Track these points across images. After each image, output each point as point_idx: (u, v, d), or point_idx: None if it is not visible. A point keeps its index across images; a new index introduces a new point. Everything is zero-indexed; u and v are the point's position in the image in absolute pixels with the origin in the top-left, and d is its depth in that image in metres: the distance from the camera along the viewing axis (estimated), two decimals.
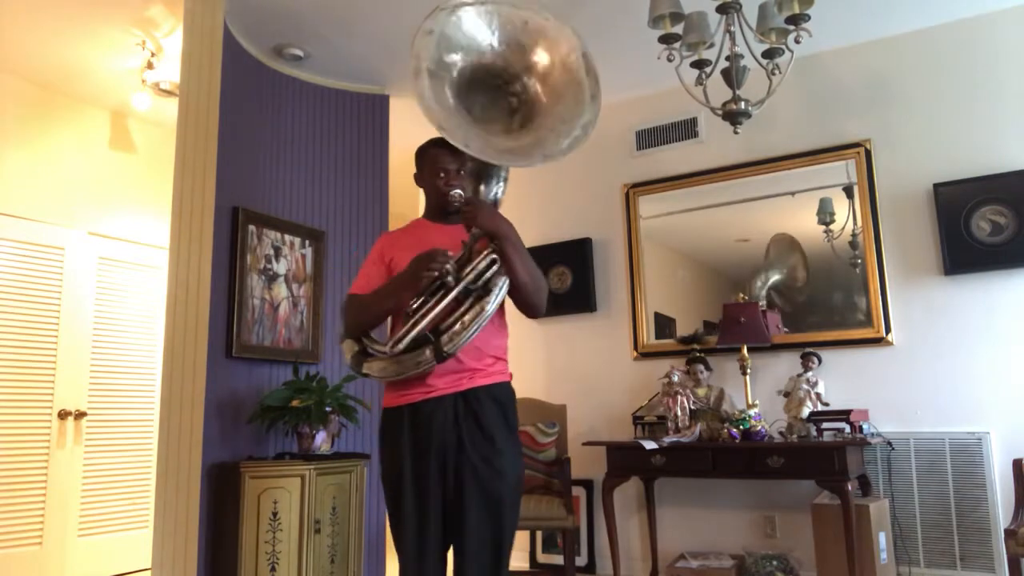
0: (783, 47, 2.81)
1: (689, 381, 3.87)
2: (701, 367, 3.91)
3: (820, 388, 3.63)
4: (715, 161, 4.26)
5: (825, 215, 3.96)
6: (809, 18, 2.66)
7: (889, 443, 3.59)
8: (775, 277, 4.02)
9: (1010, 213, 3.51)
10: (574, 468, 4.04)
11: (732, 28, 2.83)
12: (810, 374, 3.66)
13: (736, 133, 3.02)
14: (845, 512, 3.18)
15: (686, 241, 4.37)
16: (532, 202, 4.74)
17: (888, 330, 3.74)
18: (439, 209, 2.16)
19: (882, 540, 3.36)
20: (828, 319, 3.91)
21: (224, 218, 3.42)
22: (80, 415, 4.44)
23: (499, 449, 1.96)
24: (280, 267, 3.76)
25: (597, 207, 4.59)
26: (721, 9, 2.81)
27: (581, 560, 4.22)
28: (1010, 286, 3.53)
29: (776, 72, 2.85)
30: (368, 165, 4.25)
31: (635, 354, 4.35)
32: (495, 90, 2.12)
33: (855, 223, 3.88)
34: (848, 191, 3.92)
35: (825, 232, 3.96)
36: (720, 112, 2.93)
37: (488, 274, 1.98)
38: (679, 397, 3.76)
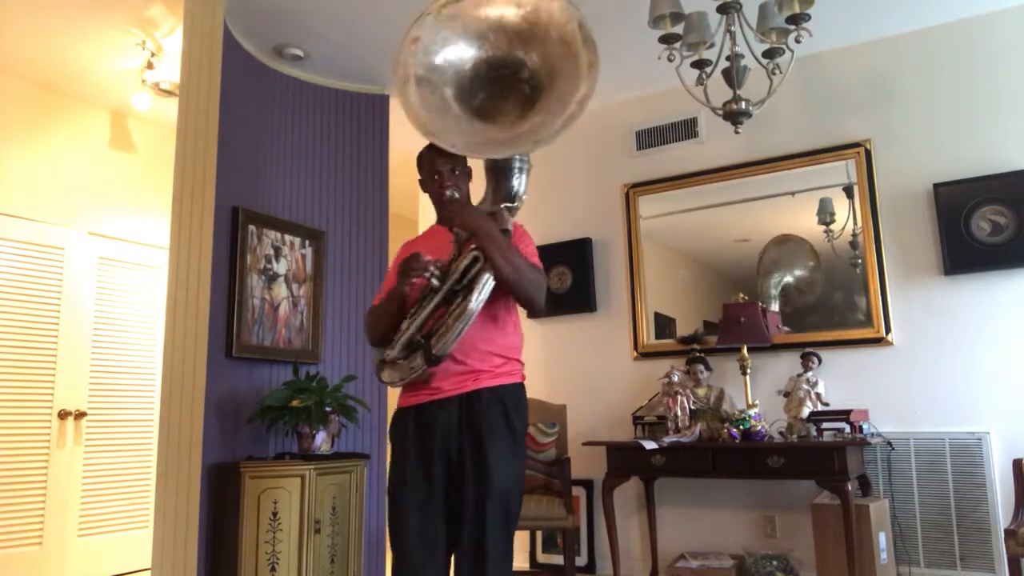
0: (783, 47, 2.80)
1: (689, 381, 3.87)
2: (701, 367, 3.91)
3: (820, 388, 3.63)
4: (715, 161, 4.25)
5: (825, 215, 3.96)
6: (809, 18, 2.66)
7: (889, 443, 3.59)
8: (788, 279, 4.01)
9: (1010, 213, 3.51)
10: (574, 468, 4.04)
11: (732, 28, 2.83)
12: (810, 374, 3.66)
13: (737, 133, 3.02)
14: (845, 512, 3.18)
15: (686, 241, 4.37)
16: (532, 202, 4.71)
17: (888, 330, 3.74)
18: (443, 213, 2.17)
19: (882, 540, 3.36)
20: (828, 319, 3.91)
21: (224, 218, 3.42)
22: (80, 415, 4.44)
23: (492, 453, 1.93)
24: (280, 267, 3.76)
25: (597, 207, 4.59)
26: (721, 9, 2.80)
27: (581, 560, 4.22)
28: (1010, 286, 3.53)
29: (776, 72, 2.84)
30: (368, 165, 4.25)
31: (635, 354, 4.35)
32: (501, 81, 2.10)
33: (855, 223, 3.88)
34: (848, 191, 3.92)
35: (825, 232, 3.96)
36: (721, 112, 2.93)
37: (472, 273, 1.96)
38: (679, 397, 3.76)
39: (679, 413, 3.73)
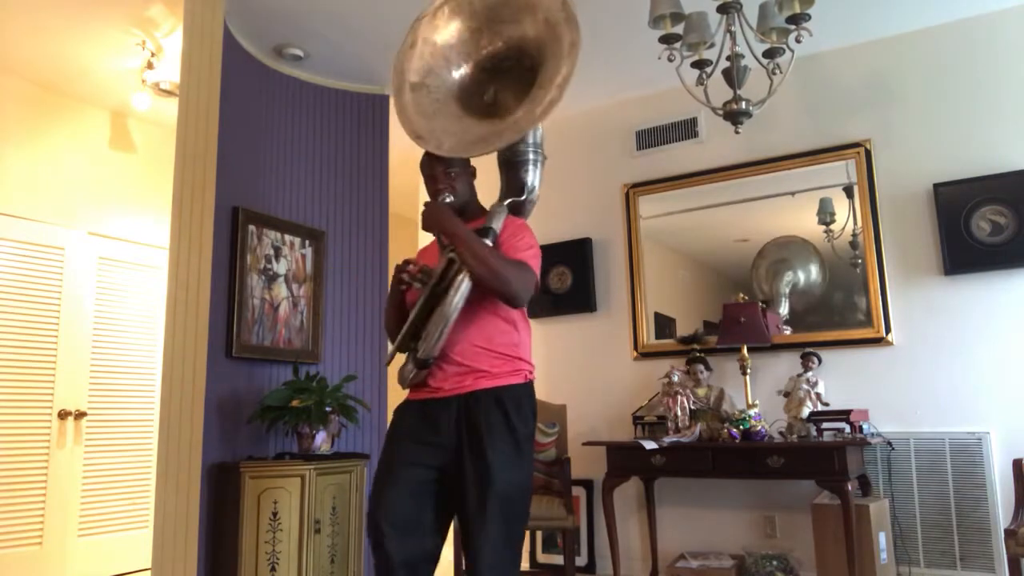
0: (784, 47, 2.80)
1: (689, 381, 3.87)
2: (701, 367, 3.91)
3: (820, 388, 3.63)
4: (715, 161, 4.25)
5: (825, 215, 3.96)
6: (810, 18, 2.66)
7: (889, 443, 3.59)
8: (800, 279, 4.01)
9: (1010, 213, 3.51)
10: (574, 468, 4.04)
11: (732, 28, 2.83)
12: (810, 374, 3.66)
13: (737, 133, 3.02)
14: (845, 512, 3.18)
15: (686, 241, 4.37)
16: None
17: (888, 330, 3.74)
18: None
19: (882, 540, 3.36)
20: (828, 319, 3.91)
21: (224, 218, 3.42)
22: (80, 415, 4.44)
23: (489, 456, 1.92)
24: (280, 267, 3.76)
25: (597, 207, 4.59)
26: (721, 9, 2.81)
27: (581, 560, 4.22)
28: (1010, 286, 3.53)
29: (776, 72, 2.85)
30: (368, 165, 4.25)
31: (635, 354, 4.35)
32: (506, 73, 2.09)
33: (855, 223, 3.88)
34: (848, 191, 3.92)
35: (825, 232, 3.96)
36: (721, 112, 2.93)
37: (449, 275, 1.97)
38: (679, 397, 3.76)
39: (679, 413, 3.73)
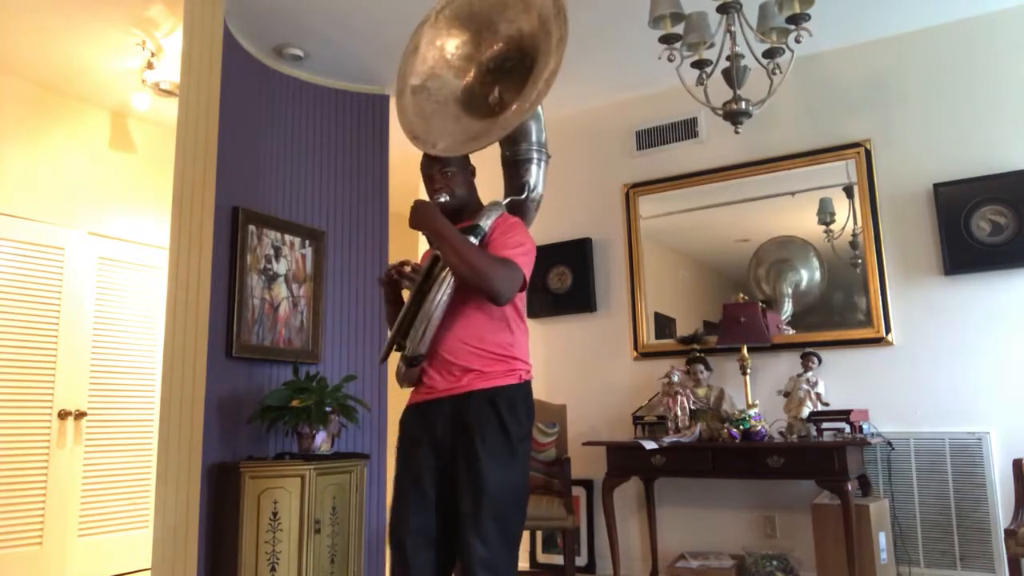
0: (783, 47, 2.80)
1: (689, 381, 3.87)
2: (701, 367, 3.91)
3: (820, 388, 3.63)
4: (715, 161, 4.25)
5: (825, 215, 3.96)
6: (809, 18, 2.66)
7: (889, 443, 3.59)
8: (803, 279, 4.01)
9: (1010, 213, 3.51)
10: (574, 468, 4.04)
11: (732, 28, 2.83)
12: (810, 374, 3.66)
13: (737, 133, 3.02)
14: (845, 512, 3.18)
15: (686, 241, 4.37)
16: None
17: (888, 330, 3.74)
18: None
19: (882, 540, 3.36)
20: (828, 319, 3.91)
21: (224, 218, 3.42)
22: (80, 415, 4.44)
23: (482, 457, 1.91)
24: (280, 267, 3.76)
25: (597, 207, 4.59)
26: (721, 9, 2.81)
27: (581, 560, 4.22)
28: (1010, 286, 3.53)
29: (776, 72, 2.85)
30: (368, 165, 4.25)
31: (635, 354, 4.35)
32: (508, 73, 2.10)
33: (855, 223, 3.88)
34: (848, 191, 3.92)
35: (825, 232, 3.96)
36: (721, 112, 2.93)
37: (435, 272, 1.98)
38: (679, 397, 3.76)
39: (679, 413, 3.73)
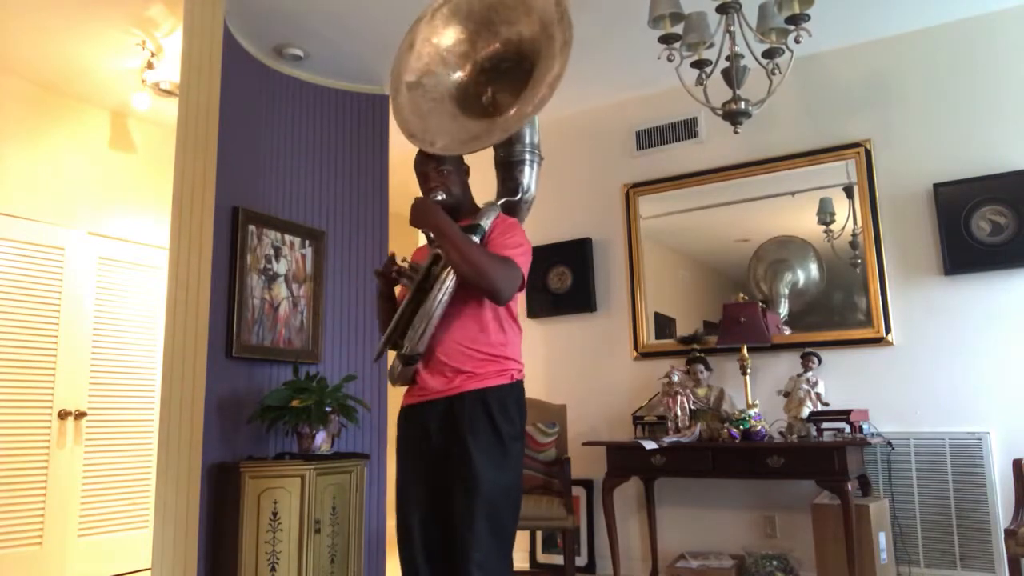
0: (783, 47, 2.80)
1: (689, 381, 3.87)
2: (701, 367, 3.91)
3: (820, 388, 3.63)
4: (715, 161, 4.25)
5: (825, 215, 3.96)
6: (809, 18, 2.66)
7: (889, 443, 3.59)
8: (800, 279, 4.01)
9: (1010, 213, 3.51)
10: (574, 468, 4.04)
11: (732, 28, 2.83)
12: (810, 374, 3.66)
13: (736, 133, 3.02)
14: (845, 512, 3.18)
15: (686, 241, 4.37)
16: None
17: (888, 330, 3.74)
18: None
19: (882, 540, 3.36)
20: (828, 319, 3.91)
21: (224, 218, 3.42)
22: (80, 415, 4.44)
23: (475, 457, 1.92)
24: (280, 267, 3.76)
25: (597, 207, 4.59)
26: (721, 9, 2.81)
27: (581, 560, 4.22)
28: (1010, 286, 3.53)
29: (776, 72, 2.85)
30: (368, 165, 4.25)
31: (635, 354, 4.35)
32: (505, 74, 2.10)
33: (855, 223, 3.88)
34: (848, 191, 3.92)
35: (825, 232, 3.96)
36: (720, 112, 2.93)
37: (435, 271, 1.97)
38: (679, 397, 3.76)
39: (679, 413, 3.73)
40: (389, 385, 2.12)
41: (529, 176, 2.18)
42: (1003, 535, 3.07)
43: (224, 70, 3.33)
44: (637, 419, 3.98)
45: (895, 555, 3.52)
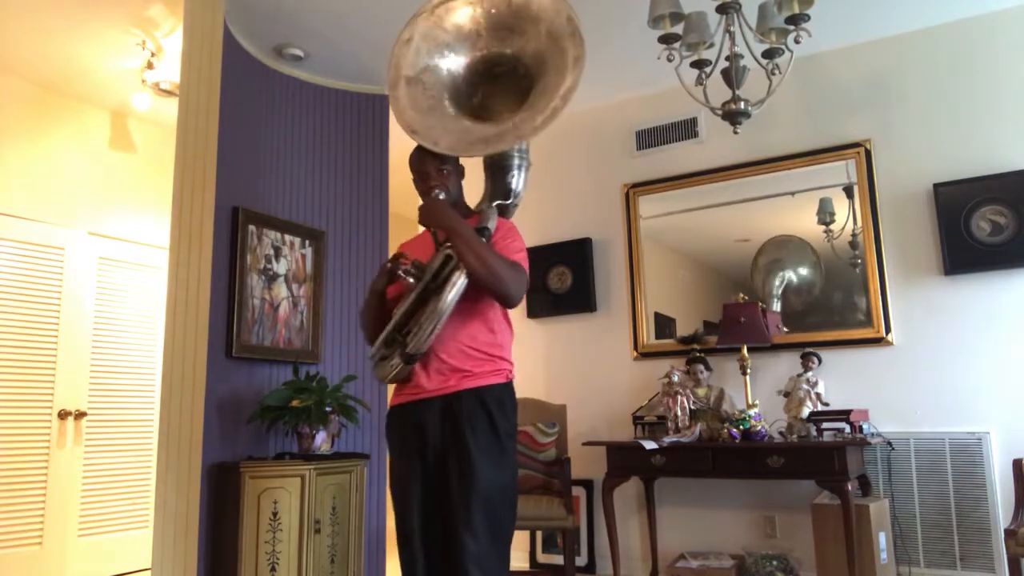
0: (783, 47, 2.80)
1: (689, 381, 3.87)
2: (701, 367, 3.91)
3: (820, 388, 3.63)
4: (715, 161, 4.26)
5: (825, 215, 3.96)
6: (809, 18, 2.66)
7: (889, 443, 3.59)
8: (791, 278, 4.01)
9: (1010, 213, 3.51)
10: (574, 468, 4.04)
11: (732, 28, 2.83)
12: (810, 374, 3.66)
13: (736, 133, 3.02)
14: (845, 512, 3.18)
15: (686, 241, 4.37)
16: (532, 202, 4.73)
17: (888, 330, 3.74)
18: None
19: (882, 540, 3.36)
20: (828, 319, 3.91)
21: (224, 218, 3.42)
22: (80, 415, 4.44)
23: (474, 454, 1.93)
24: (280, 267, 3.76)
25: (597, 207, 4.59)
26: (721, 9, 2.81)
27: (581, 560, 4.22)
28: (1010, 286, 3.53)
29: (776, 72, 2.84)
30: (368, 165, 4.25)
31: (635, 354, 4.35)
32: (495, 78, 2.10)
33: (855, 223, 3.88)
34: (848, 191, 3.92)
35: (825, 232, 3.96)
36: (720, 112, 2.93)
37: (445, 271, 1.97)
38: (679, 397, 3.76)
39: (679, 413, 3.73)
40: (388, 385, 2.10)
41: (518, 180, 2.19)
42: (1003, 535, 3.07)
43: (224, 70, 3.33)
44: (637, 419, 3.98)
45: (895, 555, 3.52)
